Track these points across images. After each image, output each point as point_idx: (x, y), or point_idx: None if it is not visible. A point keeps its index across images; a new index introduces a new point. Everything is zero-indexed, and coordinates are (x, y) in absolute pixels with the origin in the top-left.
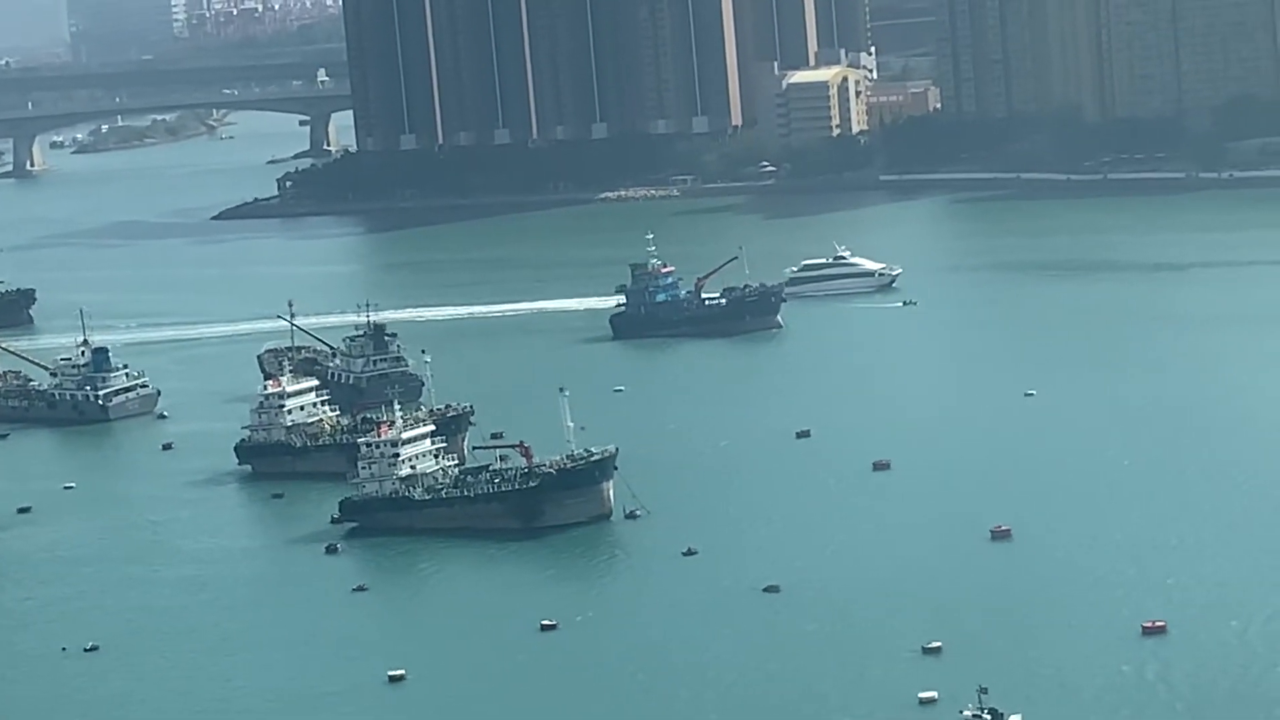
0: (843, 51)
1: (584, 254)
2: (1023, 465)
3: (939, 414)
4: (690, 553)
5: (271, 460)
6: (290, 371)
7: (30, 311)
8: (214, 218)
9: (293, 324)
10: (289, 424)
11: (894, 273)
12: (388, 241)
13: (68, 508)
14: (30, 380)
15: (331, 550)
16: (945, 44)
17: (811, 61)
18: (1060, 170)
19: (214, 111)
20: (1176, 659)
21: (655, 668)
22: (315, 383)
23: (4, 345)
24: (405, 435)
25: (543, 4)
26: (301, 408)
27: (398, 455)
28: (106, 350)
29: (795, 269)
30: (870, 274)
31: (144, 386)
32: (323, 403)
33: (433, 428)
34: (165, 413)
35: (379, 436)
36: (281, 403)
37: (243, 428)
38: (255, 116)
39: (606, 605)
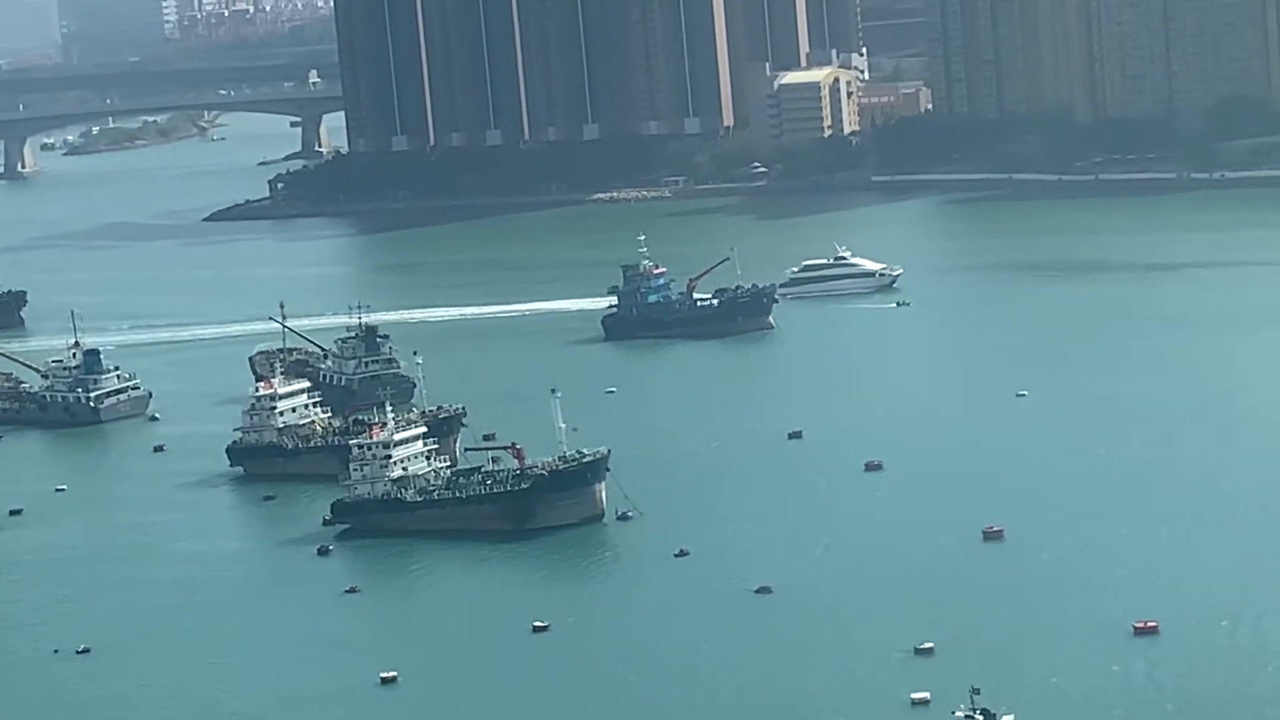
0: (834, 52)
1: (576, 255)
2: (1015, 466)
3: (931, 415)
4: (682, 554)
5: (263, 462)
6: (282, 373)
7: (21, 313)
8: (205, 219)
9: (284, 326)
10: (281, 426)
11: (895, 273)
12: (379, 243)
13: (59, 510)
14: (22, 382)
15: (323, 552)
16: (937, 44)
17: (803, 62)
18: (1052, 171)
19: (205, 113)
20: (1168, 659)
21: (647, 669)
22: (307, 384)
23: None
24: (397, 437)
25: (534, 5)
26: (293, 409)
27: (389, 457)
28: (98, 352)
29: (796, 269)
30: (871, 274)
31: (135, 388)
32: (314, 404)
33: (425, 429)
34: (157, 415)
35: (371, 438)
36: (273, 405)
37: (234, 430)
38: (246, 118)
39: (598, 606)
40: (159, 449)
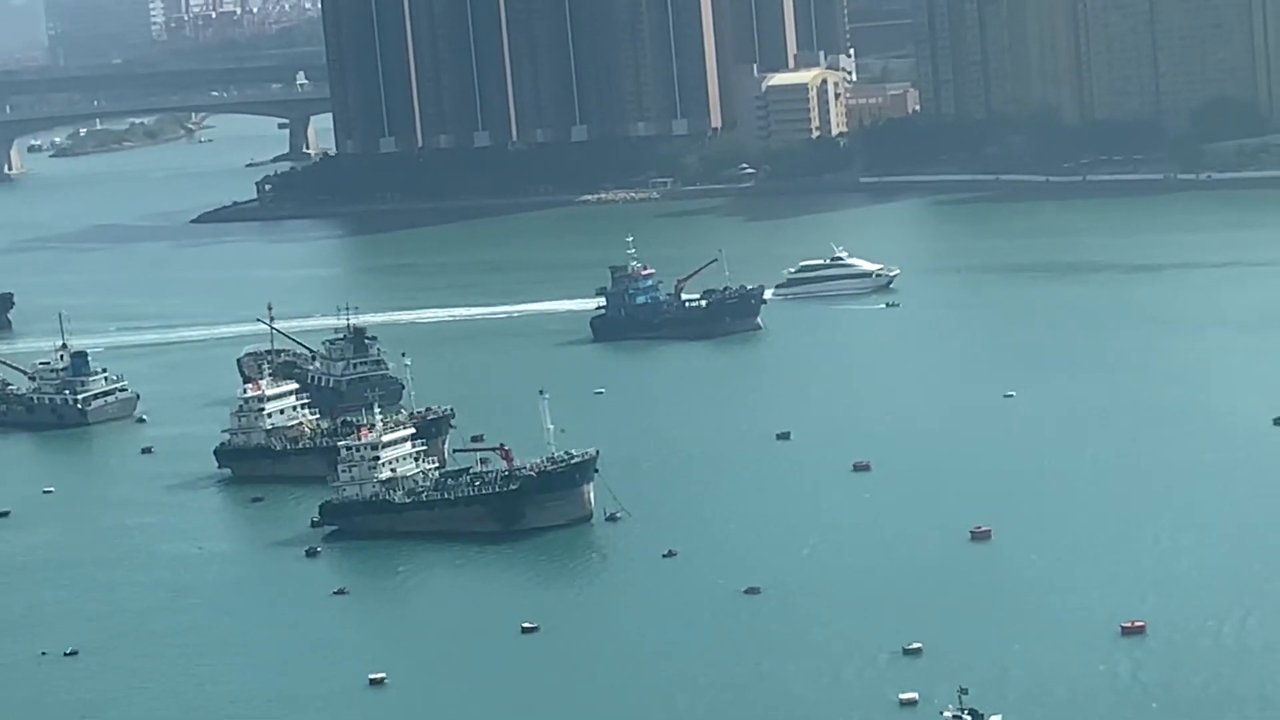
0: (822, 54)
1: (564, 256)
2: (1002, 466)
3: (919, 415)
4: (670, 554)
5: (251, 464)
6: (270, 375)
7: (9, 315)
8: (193, 221)
9: (272, 327)
10: (269, 427)
11: (892, 273)
12: (367, 244)
13: (47, 512)
14: (9, 384)
15: (312, 553)
16: (924, 46)
17: (791, 64)
18: (1039, 172)
19: (193, 115)
20: (1155, 659)
21: (636, 670)
22: (295, 386)
23: None
24: (385, 438)
25: (522, 6)
26: (281, 411)
27: (378, 458)
28: (85, 354)
29: (793, 270)
30: (868, 275)
31: (123, 390)
32: (302, 406)
33: (413, 431)
34: (144, 416)
35: (359, 440)
36: (261, 406)
37: (222, 431)
38: (234, 119)
39: (587, 607)
40: (147, 451)
